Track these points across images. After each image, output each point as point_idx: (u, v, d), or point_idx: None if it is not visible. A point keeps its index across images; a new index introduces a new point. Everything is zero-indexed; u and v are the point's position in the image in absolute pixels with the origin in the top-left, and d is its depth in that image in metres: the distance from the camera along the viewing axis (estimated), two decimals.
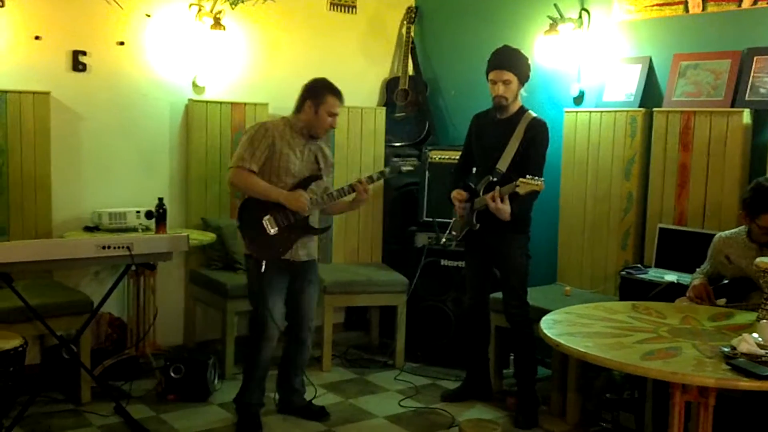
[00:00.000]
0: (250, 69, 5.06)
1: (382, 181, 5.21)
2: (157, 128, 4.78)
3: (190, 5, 4.76)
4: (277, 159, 3.67)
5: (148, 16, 4.65)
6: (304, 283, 3.83)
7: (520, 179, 3.63)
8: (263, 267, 3.64)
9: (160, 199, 4.34)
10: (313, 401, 4.02)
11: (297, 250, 3.75)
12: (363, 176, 3.84)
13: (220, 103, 4.90)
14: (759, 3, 3.87)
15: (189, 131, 4.83)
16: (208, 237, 4.50)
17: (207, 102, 4.87)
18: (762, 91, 3.82)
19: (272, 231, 3.65)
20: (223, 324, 4.44)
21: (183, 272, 4.85)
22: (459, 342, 4.51)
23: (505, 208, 3.75)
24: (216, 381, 4.24)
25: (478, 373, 4.26)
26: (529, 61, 3.98)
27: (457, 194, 4.03)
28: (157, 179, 4.76)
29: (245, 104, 4.94)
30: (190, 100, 4.83)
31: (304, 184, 3.72)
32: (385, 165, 5.22)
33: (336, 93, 3.74)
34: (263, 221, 3.64)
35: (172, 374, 4.08)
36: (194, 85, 4.87)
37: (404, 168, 4.09)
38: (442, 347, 4.76)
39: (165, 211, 4.33)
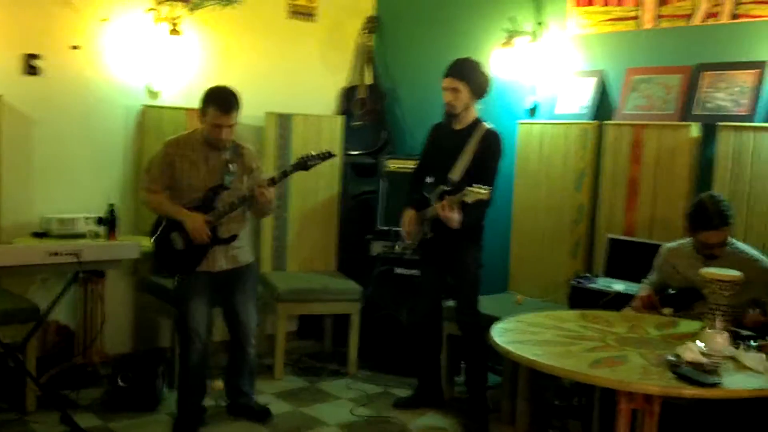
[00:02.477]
0: (207, 75, 5.01)
1: (337, 190, 5.23)
2: (110, 133, 4.71)
3: (147, 10, 4.71)
4: (179, 176, 3.73)
5: (104, 20, 4.59)
6: (234, 291, 3.86)
7: (467, 188, 3.67)
8: (176, 281, 3.75)
9: (111, 206, 4.28)
10: (257, 402, 4.03)
11: (214, 261, 3.76)
12: (264, 180, 3.77)
13: (176, 108, 4.85)
14: (709, 20, 3.97)
15: (143, 137, 4.77)
16: None
17: (162, 107, 4.82)
18: (710, 105, 3.91)
19: (179, 246, 3.71)
20: (173, 331, 4.38)
21: (133, 279, 4.78)
22: (412, 350, 4.52)
23: (453, 217, 3.78)
24: (165, 389, 4.18)
25: (429, 380, 4.27)
26: (488, 76, 4.01)
27: (408, 219, 4.05)
28: (109, 185, 4.69)
29: None
30: (144, 105, 4.78)
31: (210, 196, 3.72)
32: (345, 175, 5.23)
33: (219, 103, 3.63)
34: (171, 237, 3.72)
35: (120, 382, 4.01)
36: (149, 90, 4.81)
37: (310, 162, 3.82)
38: (395, 355, 4.76)
39: (116, 217, 4.26)
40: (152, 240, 3.83)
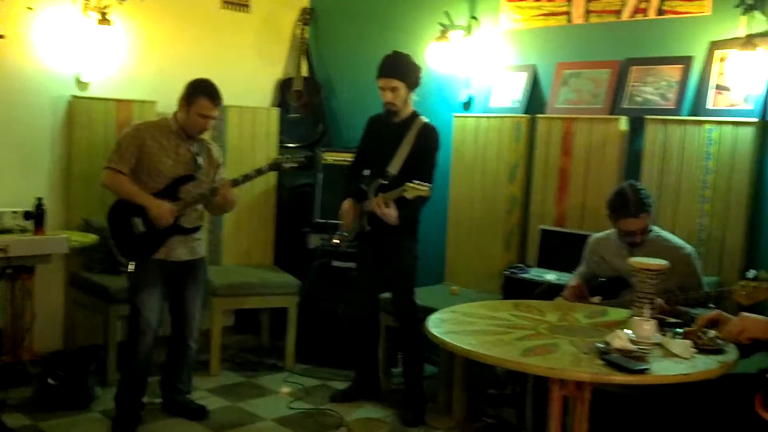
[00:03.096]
0: (138, 66, 4.91)
1: (273, 183, 5.20)
2: (37, 125, 4.57)
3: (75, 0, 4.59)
4: (147, 160, 3.67)
5: (30, 9, 4.44)
6: (186, 283, 3.82)
7: (407, 184, 3.69)
8: (130, 266, 3.67)
9: (39, 200, 4.16)
10: (193, 400, 3.98)
11: (172, 249, 3.72)
12: (228, 179, 3.79)
13: (106, 100, 4.74)
14: (637, 15, 4.08)
15: (71, 128, 4.65)
16: (90, 238, 4.34)
17: (91, 98, 4.70)
18: (638, 99, 4.02)
19: (140, 230, 3.66)
20: (105, 329, 4.30)
21: (63, 275, 4.66)
22: (349, 343, 4.53)
23: (390, 213, 3.80)
24: (97, 388, 4.09)
25: (367, 372, 4.29)
26: (419, 67, 4.03)
27: (347, 209, 4.05)
28: (37, 178, 4.55)
29: (132, 102, 4.80)
30: (73, 96, 4.65)
31: (174, 185, 3.69)
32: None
33: (209, 94, 3.68)
34: (132, 221, 3.66)
35: (51, 381, 3.91)
36: (78, 81, 4.69)
37: (286, 164, 3.89)
38: (332, 348, 4.76)
39: (44, 211, 4.14)
40: (108, 221, 3.76)
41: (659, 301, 2.99)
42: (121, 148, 3.69)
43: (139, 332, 3.69)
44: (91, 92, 4.74)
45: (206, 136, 3.91)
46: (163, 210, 3.63)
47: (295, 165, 3.89)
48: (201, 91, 3.68)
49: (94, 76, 4.73)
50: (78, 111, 4.65)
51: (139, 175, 3.69)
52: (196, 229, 3.81)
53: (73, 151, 4.65)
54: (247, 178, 3.81)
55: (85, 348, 4.53)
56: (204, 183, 3.78)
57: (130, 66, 4.88)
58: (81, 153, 4.65)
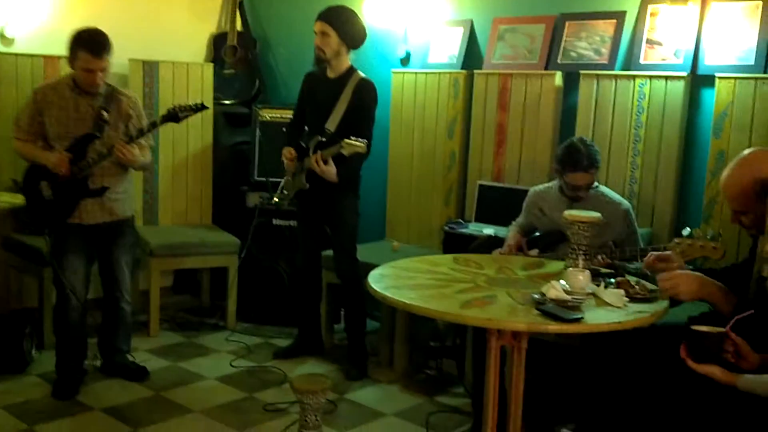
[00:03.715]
0: (66, 20, 4.70)
1: (210, 141, 5.11)
2: None
3: None
4: (49, 123, 3.60)
5: None
6: (110, 245, 3.76)
7: (344, 140, 3.68)
8: (46, 233, 3.64)
9: None
10: (134, 361, 3.95)
11: (86, 212, 3.64)
12: (121, 136, 3.64)
13: (32, 56, 4.56)
14: None
15: None
16: (19, 199, 4.20)
17: (17, 55, 4.53)
18: (573, 54, 4.06)
19: (47, 194, 3.60)
20: (40, 291, 4.21)
21: None
22: (292, 301, 4.54)
23: (330, 170, 3.80)
24: (33, 351, 4.02)
25: (309, 329, 4.31)
26: (363, 27, 3.97)
27: (288, 152, 4.02)
28: None
29: (60, 57, 4.62)
30: None
31: (79, 144, 3.59)
32: (216, 126, 5.10)
33: (88, 46, 3.49)
34: (39, 186, 3.60)
35: None
36: (2, 36, 4.50)
37: (182, 114, 3.68)
38: (274, 306, 4.76)
39: None
40: (21, 191, 3.72)
41: (604, 258, 3.07)
42: (22, 118, 3.67)
43: (65, 298, 3.65)
44: (17, 48, 4.56)
45: (137, 91, 3.81)
46: (57, 159, 3.55)
47: (191, 113, 3.71)
48: (80, 44, 3.51)
49: (19, 30, 4.55)
50: (3, 68, 4.47)
51: (48, 140, 3.64)
52: (104, 189, 3.65)
53: (0, 109, 4.47)
54: (141, 132, 3.65)
55: (20, 311, 4.44)
56: (113, 139, 3.63)
57: (57, 20, 4.69)
58: (7, 112, 4.46)
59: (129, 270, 3.87)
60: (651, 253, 2.80)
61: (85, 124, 3.61)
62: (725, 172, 2.60)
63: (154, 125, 3.70)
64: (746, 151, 2.64)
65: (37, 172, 3.64)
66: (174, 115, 3.68)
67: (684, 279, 2.59)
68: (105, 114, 3.62)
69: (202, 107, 3.73)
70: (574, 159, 3.37)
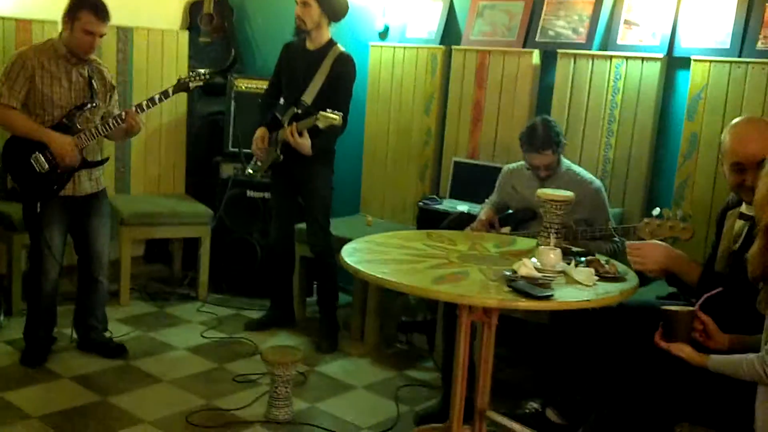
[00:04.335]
0: None
1: (184, 110, 5.06)
2: None
3: None
4: (40, 91, 3.45)
5: None
6: (91, 217, 3.68)
7: (320, 113, 3.66)
8: (38, 207, 3.49)
9: None
10: (112, 338, 3.89)
11: (79, 183, 3.58)
12: (133, 104, 3.63)
13: (3, 18, 4.46)
14: None
15: None
16: None
17: None
18: (551, 33, 4.06)
19: (44, 169, 3.48)
20: (9, 258, 4.16)
21: None
22: (264, 273, 4.53)
23: (304, 143, 3.78)
24: (2, 317, 3.98)
25: (281, 302, 4.31)
26: (344, 1, 3.94)
27: (259, 139, 3.99)
28: None
29: (32, 21, 4.53)
30: None
31: (71, 115, 3.50)
32: (190, 97, 5.03)
33: (93, 7, 3.42)
34: (31, 160, 3.46)
35: None
36: None
37: (193, 84, 3.69)
38: (247, 278, 4.75)
39: None
40: (3, 162, 3.55)
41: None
42: (9, 79, 3.44)
43: (43, 270, 3.57)
44: None
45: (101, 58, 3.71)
46: (66, 146, 3.44)
47: (202, 83, 3.71)
48: (84, 4, 3.42)
49: None
50: None
51: (30, 108, 3.47)
52: (105, 161, 3.67)
53: None
54: (152, 102, 3.62)
55: None
56: (101, 108, 3.60)
57: None
58: None
59: (107, 243, 3.79)
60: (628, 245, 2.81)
61: (78, 94, 3.52)
62: (736, 124, 2.55)
63: (166, 95, 3.64)
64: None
65: (26, 144, 3.47)
66: (185, 85, 3.67)
67: (651, 249, 2.63)
68: (95, 84, 3.56)
69: (212, 75, 3.71)
70: (530, 140, 3.39)
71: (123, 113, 3.58)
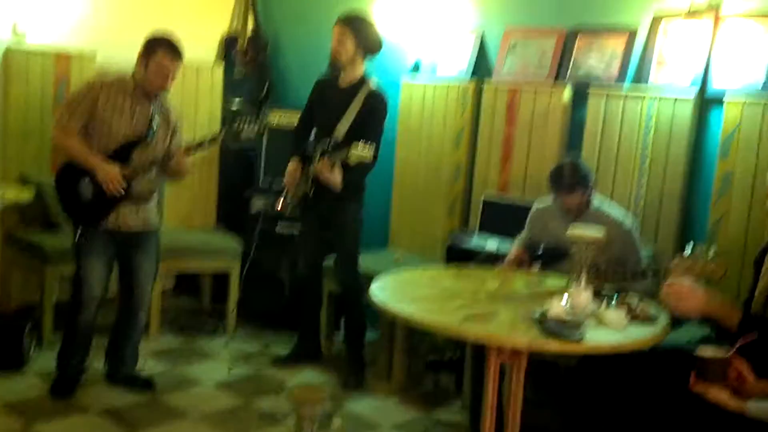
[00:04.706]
0: (78, 17, 4.74)
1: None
2: None
3: None
4: (100, 120, 3.52)
5: None
6: (137, 253, 3.70)
7: (351, 148, 3.67)
8: (78, 233, 3.54)
9: None
10: (140, 372, 3.91)
11: (123, 217, 3.61)
12: (182, 147, 3.67)
13: (43, 52, 4.57)
14: None
15: (7, 81, 4.48)
16: (25, 194, 4.21)
17: (28, 50, 4.53)
18: (583, 70, 4.05)
19: (87, 196, 3.53)
20: (42, 289, 4.21)
21: None
22: (292, 307, 4.53)
23: (335, 178, 3.78)
24: (33, 349, 4.01)
25: (309, 337, 4.29)
26: (379, 36, 3.98)
27: (293, 169, 4.00)
28: None
29: (70, 54, 4.64)
30: (9, 48, 4.48)
31: (126, 148, 3.55)
32: (224, 126, 5.07)
33: (169, 46, 3.54)
34: (80, 185, 3.52)
35: None
36: (14, 32, 4.51)
37: (243, 135, 3.74)
38: (275, 313, 4.75)
39: None
40: (55, 185, 3.63)
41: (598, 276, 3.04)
42: (74, 104, 3.54)
43: (81, 303, 3.59)
44: (28, 44, 4.56)
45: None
46: (111, 174, 3.48)
47: (252, 136, 3.77)
48: (160, 43, 3.53)
49: (31, 26, 4.55)
50: (14, 63, 4.48)
51: (90, 135, 3.54)
52: (147, 198, 3.68)
53: (9, 104, 4.49)
54: (200, 146, 3.70)
55: (21, 308, 4.44)
56: (158, 148, 3.64)
57: (69, 16, 4.71)
58: (17, 106, 4.50)
59: (152, 281, 3.81)
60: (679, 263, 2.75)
61: (137, 128, 3.57)
62: None
63: (213, 140, 3.72)
64: None
65: (78, 170, 3.54)
66: (236, 135, 3.71)
67: (687, 292, 2.55)
68: (157, 120, 3.62)
69: (262, 131, 3.82)
70: (558, 180, 3.36)
71: (170, 153, 3.61)
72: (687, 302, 2.55)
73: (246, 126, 3.71)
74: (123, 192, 3.53)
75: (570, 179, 3.33)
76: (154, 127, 3.62)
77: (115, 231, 3.61)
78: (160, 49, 3.53)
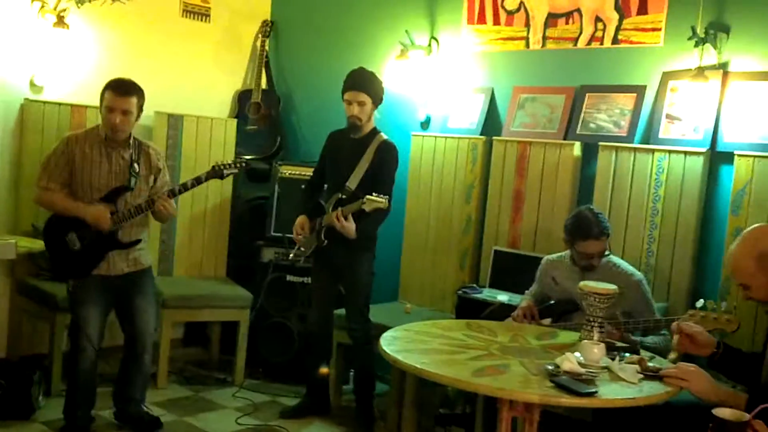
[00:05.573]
0: (94, 70, 4.83)
1: (229, 194, 5.16)
2: None
3: (33, 1, 4.51)
4: (80, 173, 3.60)
5: None
6: (134, 295, 3.72)
7: (367, 197, 3.70)
8: (71, 285, 3.60)
9: None
10: (148, 412, 3.89)
11: (113, 263, 3.65)
12: (164, 191, 3.70)
13: (59, 104, 4.66)
14: (593, 44, 4.17)
15: (24, 132, 4.55)
16: (38, 244, 4.23)
17: (45, 102, 4.62)
18: (592, 126, 4.10)
19: (76, 247, 3.58)
20: (51, 337, 4.21)
21: (9, 281, 4.54)
22: (301, 358, 4.50)
23: (350, 227, 3.81)
24: (41, 398, 4.00)
25: (317, 389, 4.26)
26: (382, 83, 4.07)
27: (300, 224, 4.04)
28: None
29: (86, 107, 4.72)
30: (26, 99, 4.57)
31: (111, 197, 3.61)
32: (236, 181, 5.14)
33: (114, 86, 3.57)
34: (66, 238, 3.58)
35: None
36: (32, 84, 4.60)
37: (227, 171, 3.77)
38: (284, 364, 4.72)
39: None
40: (44, 240, 3.68)
41: (608, 328, 3.03)
42: (50, 164, 3.62)
43: (79, 348, 3.62)
44: (45, 96, 4.65)
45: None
46: (98, 213, 3.54)
47: (236, 171, 3.81)
48: (108, 86, 3.59)
49: (48, 79, 4.65)
50: (30, 115, 4.56)
51: (74, 190, 3.61)
52: (136, 242, 3.70)
53: (24, 155, 4.55)
54: (184, 187, 3.72)
55: (30, 357, 4.43)
56: (143, 191, 3.69)
57: (86, 70, 4.81)
58: (32, 157, 4.54)
59: (153, 320, 3.83)
60: (679, 325, 2.75)
61: (117, 177, 3.63)
62: (730, 248, 2.64)
63: (198, 180, 3.73)
64: (751, 227, 2.66)
65: (64, 223, 3.60)
66: (219, 173, 3.75)
67: (694, 377, 2.55)
68: (137, 167, 3.66)
69: (245, 165, 3.82)
70: (585, 227, 3.37)
71: (153, 197, 3.65)
72: (693, 387, 2.53)
73: (228, 166, 3.75)
74: (110, 241, 3.58)
75: (599, 225, 3.35)
76: (136, 173, 3.66)
77: (107, 277, 3.64)
78: (107, 92, 3.58)
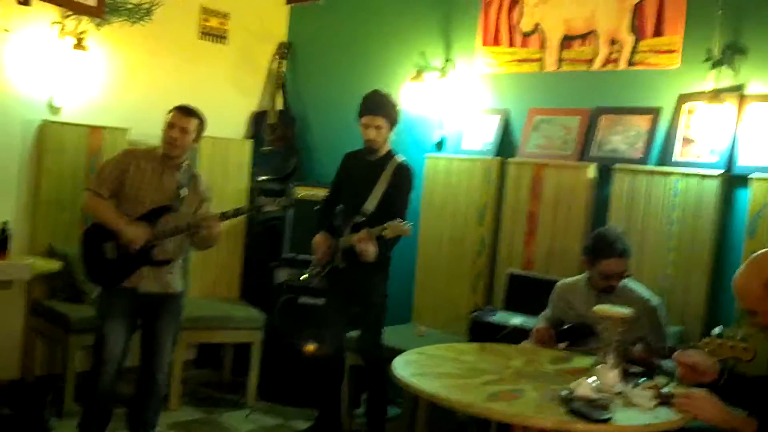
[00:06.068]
0: (112, 92, 4.88)
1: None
2: (6, 148, 4.50)
3: (53, 23, 4.57)
4: (129, 187, 3.65)
5: (6, 30, 4.41)
6: (157, 317, 3.72)
7: (389, 223, 3.70)
8: (97, 292, 3.64)
9: (4, 224, 4.09)
10: None
11: (143, 279, 3.65)
12: (215, 214, 3.74)
13: (77, 125, 4.70)
14: (608, 66, 4.16)
15: (41, 153, 4.59)
16: (53, 265, 4.27)
17: (63, 124, 4.66)
18: (607, 147, 4.08)
19: (110, 256, 3.62)
20: (64, 359, 4.22)
21: (24, 302, 4.56)
22: (313, 381, 4.48)
23: (370, 250, 3.80)
24: (54, 419, 3.99)
25: (330, 412, 4.23)
26: (399, 107, 4.08)
27: (322, 242, 4.04)
28: (4, 202, 4.47)
29: (104, 128, 4.76)
30: (44, 120, 4.61)
31: (152, 215, 3.64)
32: (251, 200, 5.16)
33: (179, 107, 3.72)
34: (104, 246, 3.62)
35: (6, 410, 3.81)
36: (50, 105, 4.65)
37: (267, 208, 3.90)
38: (296, 386, 4.70)
39: (8, 236, 4.07)
40: (81, 244, 3.73)
41: (640, 348, 2.98)
42: (104, 171, 3.71)
43: (101, 362, 3.61)
44: (63, 117, 4.69)
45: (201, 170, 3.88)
46: (136, 232, 3.59)
47: (275, 209, 3.98)
48: (175, 108, 3.73)
49: (66, 101, 4.69)
50: (49, 136, 4.60)
51: (120, 202, 3.67)
52: (167, 261, 3.72)
53: (42, 175, 4.59)
54: (236, 213, 3.82)
55: (43, 378, 4.44)
56: (184, 215, 3.71)
57: (104, 92, 4.85)
58: (50, 178, 4.59)
59: (172, 344, 3.83)
60: (678, 355, 2.72)
61: (164, 196, 3.67)
62: (737, 273, 2.58)
63: (238, 212, 3.85)
64: (758, 252, 2.61)
65: (105, 230, 3.65)
66: (258, 209, 3.94)
67: (705, 404, 2.51)
68: (183, 191, 3.71)
69: (288, 206, 4.05)
70: (609, 245, 3.32)
71: (199, 220, 3.68)
72: (703, 414, 2.50)
73: (272, 204, 3.87)
74: (143, 256, 3.62)
75: (623, 243, 3.32)
76: (181, 195, 3.71)
77: (135, 292, 3.65)
78: (172, 112, 3.72)
